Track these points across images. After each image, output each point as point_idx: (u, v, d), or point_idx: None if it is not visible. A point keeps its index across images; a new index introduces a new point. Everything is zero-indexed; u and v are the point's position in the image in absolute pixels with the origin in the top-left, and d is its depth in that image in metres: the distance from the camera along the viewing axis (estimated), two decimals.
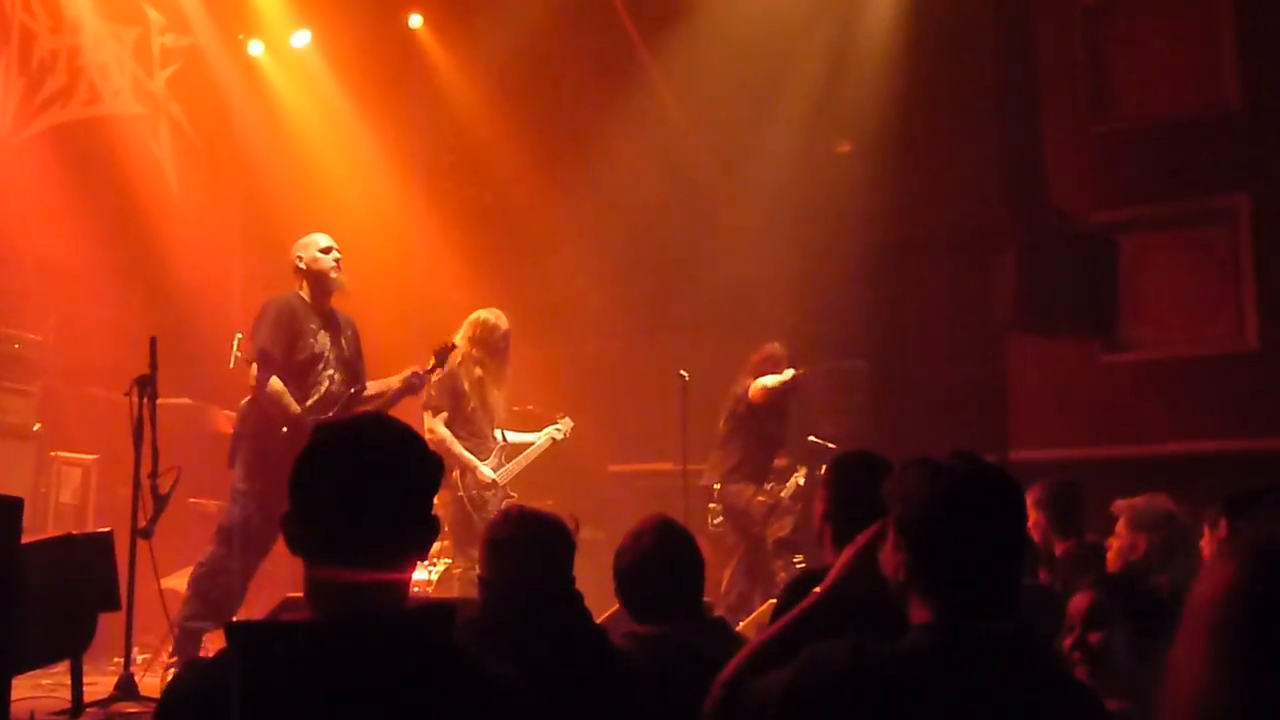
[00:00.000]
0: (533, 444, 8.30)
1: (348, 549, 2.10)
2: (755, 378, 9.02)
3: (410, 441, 2.22)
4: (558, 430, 8.38)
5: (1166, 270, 10.56)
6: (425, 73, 11.42)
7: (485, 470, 7.81)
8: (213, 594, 6.49)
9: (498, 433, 7.97)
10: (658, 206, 11.15)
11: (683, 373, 8.69)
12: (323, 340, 6.84)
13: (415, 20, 11.41)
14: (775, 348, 9.26)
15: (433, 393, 7.68)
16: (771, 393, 8.91)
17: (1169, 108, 10.63)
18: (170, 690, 2.11)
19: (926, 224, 11.02)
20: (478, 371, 7.88)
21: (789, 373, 8.93)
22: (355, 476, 2.13)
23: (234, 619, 8.30)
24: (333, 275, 6.91)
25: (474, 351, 7.91)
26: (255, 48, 10.97)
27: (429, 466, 2.22)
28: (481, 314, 8.04)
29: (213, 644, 6.59)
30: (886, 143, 10.86)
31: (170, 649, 6.33)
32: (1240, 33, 10.35)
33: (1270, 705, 1.37)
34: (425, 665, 2.04)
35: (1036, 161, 10.86)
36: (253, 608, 8.06)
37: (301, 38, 10.98)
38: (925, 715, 2.18)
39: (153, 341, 5.99)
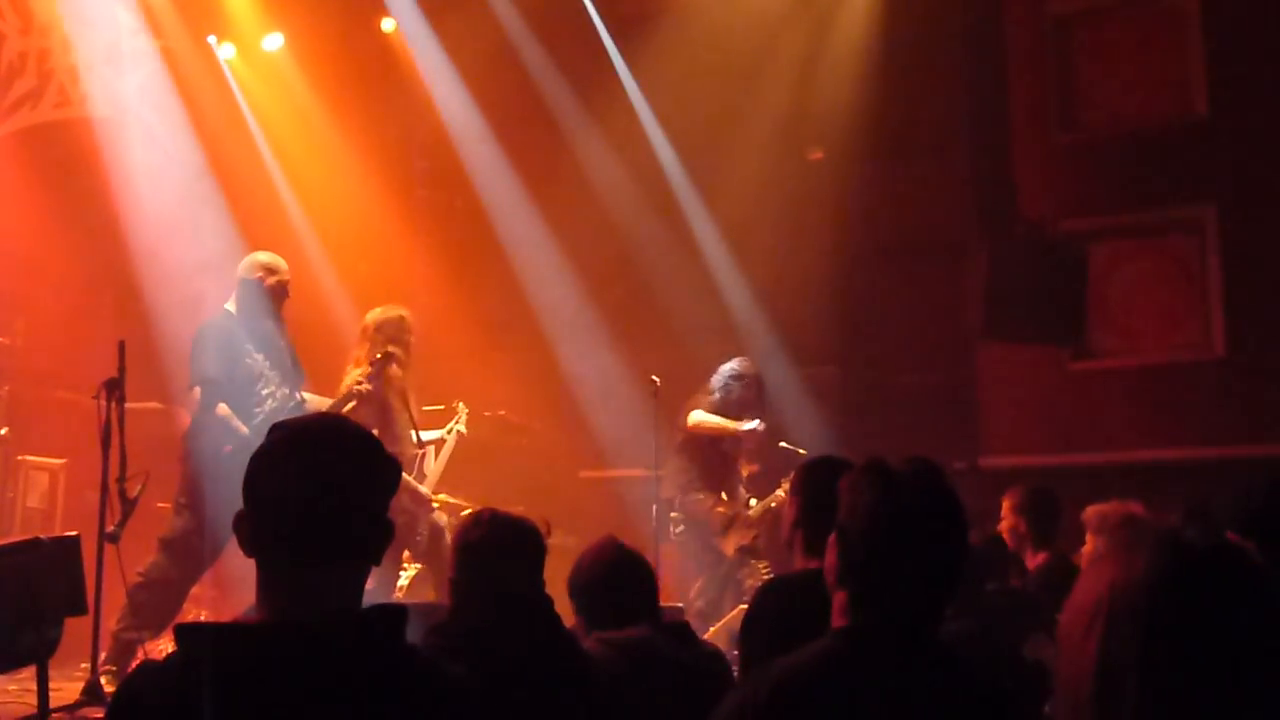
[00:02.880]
0: (443, 442, 8.11)
1: (299, 548, 2.08)
2: (707, 398, 8.80)
3: (365, 441, 2.20)
4: (458, 422, 8.21)
5: (1135, 279, 10.65)
6: (398, 77, 11.40)
7: (421, 488, 7.66)
8: (150, 604, 6.47)
9: (414, 435, 7.64)
10: (630, 212, 11.16)
11: (654, 378, 8.67)
12: (259, 358, 6.80)
13: (388, 24, 11.38)
14: (740, 368, 9.06)
15: (364, 413, 7.27)
16: (710, 431, 8.65)
17: (1138, 118, 10.73)
18: (121, 693, 2.08)
19: (897, 231, 11.07)
20: (397, 371, 7.46)
21: (747, 425, 8.61)
22: (308, 474, 2.10)
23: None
24: (271, 297, 6.84)
25: (391, 351, 7.44)
26: (226, 51, 10.92)
27: (385, 467, 2.19)
28: (386, 311, 7.62)
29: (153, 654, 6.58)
30: (858, 151, 10.91)
31: (105, 657, 6.25)
32: (1209, 44, 10.45)
33: (1167, 693, 1.39)
34: (377, 665, 2.03)
35: (1006, 170, 10.92)
36: (222, 613, 8.04)
37: (273, 41, 10.94)
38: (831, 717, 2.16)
39: (121, 345, 5.96)
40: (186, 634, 2.04)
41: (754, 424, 8.45)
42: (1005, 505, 6.04)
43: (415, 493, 7.56)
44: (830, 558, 2.36)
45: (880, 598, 2.27)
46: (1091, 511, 5.13)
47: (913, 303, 11.13)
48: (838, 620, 2.31)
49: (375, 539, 2.15)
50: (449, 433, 8.13)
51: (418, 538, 7.45)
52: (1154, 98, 10.72)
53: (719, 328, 10.57)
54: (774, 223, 11.04)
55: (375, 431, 7.27)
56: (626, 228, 11.22)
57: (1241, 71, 10.27)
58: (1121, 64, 10.85)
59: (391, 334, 7.51)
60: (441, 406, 8.53)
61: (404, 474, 7.46)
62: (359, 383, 7.11)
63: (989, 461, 10.63)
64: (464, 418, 8.22)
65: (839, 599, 2.33)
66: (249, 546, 2.12)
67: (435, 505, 7.77)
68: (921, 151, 10.96)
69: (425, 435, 7.89)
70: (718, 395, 8.72)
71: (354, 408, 7.26)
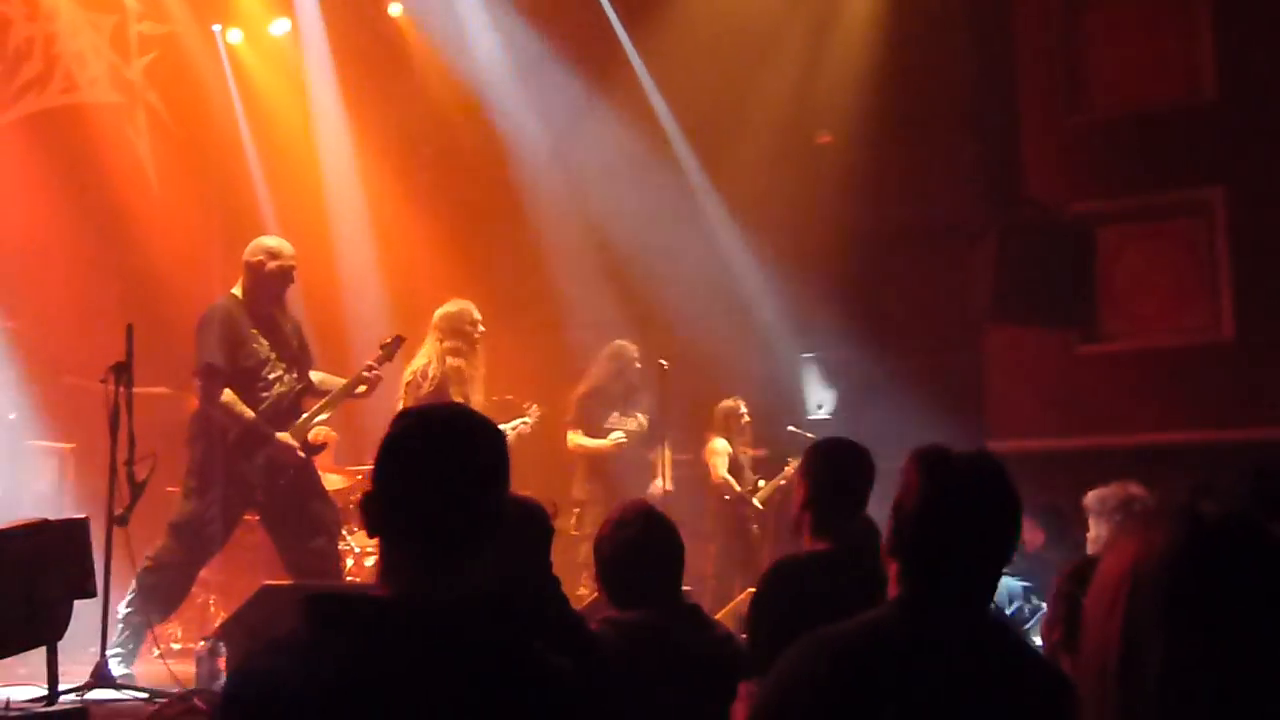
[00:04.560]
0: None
1: (430, 530, 2.18)
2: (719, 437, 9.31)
3: (490, 429, 2.32)
4: (525, 422, 8.17)
5: (1143, 261, 10.60)
6: (405, 62, 11.38)
7: None
8: (159, 588, 6.49)
9: None
10: (638, 195, 11.14)
11: (662, 361, 8.68)
12: (264, 344, 6.79)
13: (395, 9, 11.37)
14: (730, 408, 9.42)
15: (421, 399, 7.43)
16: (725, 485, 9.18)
17: (1146, 99, 10.66)
18: (243, 671, 2.15)
19: (904, 215, 11.03)
20: (457, 362, 7.66)
21: (767, 484, 9.31)
22: (441, 460, 2.20)
23: (203, 618, 8.31)
24: (276, 281, 6.84)
25: (448, 343, 7.70)
26: (234, 36, 10.92)
27: (503, 458, 2.30)
28: (447, 306, 7.84)
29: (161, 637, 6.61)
30: (865, 134, 10.89)
31: (114, 640, 6.24)
32: (1218, 24, 10.39)
33: (1190, 669, 1.39)
34: (498, 650, 2.11)
35: (1014, 153, 10.90)
36: (231, 597, 8.06)
37: (280, 26, 10.93)
38: (889, 689, 2.23)
39: (129, 329, 5.97)
40: (314, 603, 2.11)
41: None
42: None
43: None
44: (887, 529, 2.50)
45: (927, 571, 2.40)
46: (1091, 496, 5.09)
47: (920, 286, 11.10)
48: (892, 590, 2.45)
49: (494, 525, 2.26)
50: (512, 429, 8.09)
51: None
52: (1162, 80, 10.66)
53: (727, 311, 10.57)
54: (781, 207, 11.02)
55: None
56: (634, 211, 11.19)
57: (1251, 54, 10.21)
58: (1130, 46, 10.79)
59: (451, 326, 7.67)
60: (510, 397, 8.55)
61: None
62: (369, 367, 7.10)
63: (996, 445, 10.60)
64: (533, 419, 8.18)
65: (892, 569, 2.46)
66: (378, 527, 2.21)
67: None
68: (929, 134, 10.93)
69: None
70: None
71: (416, 400, 7.38)
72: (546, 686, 2.14)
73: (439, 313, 7.77)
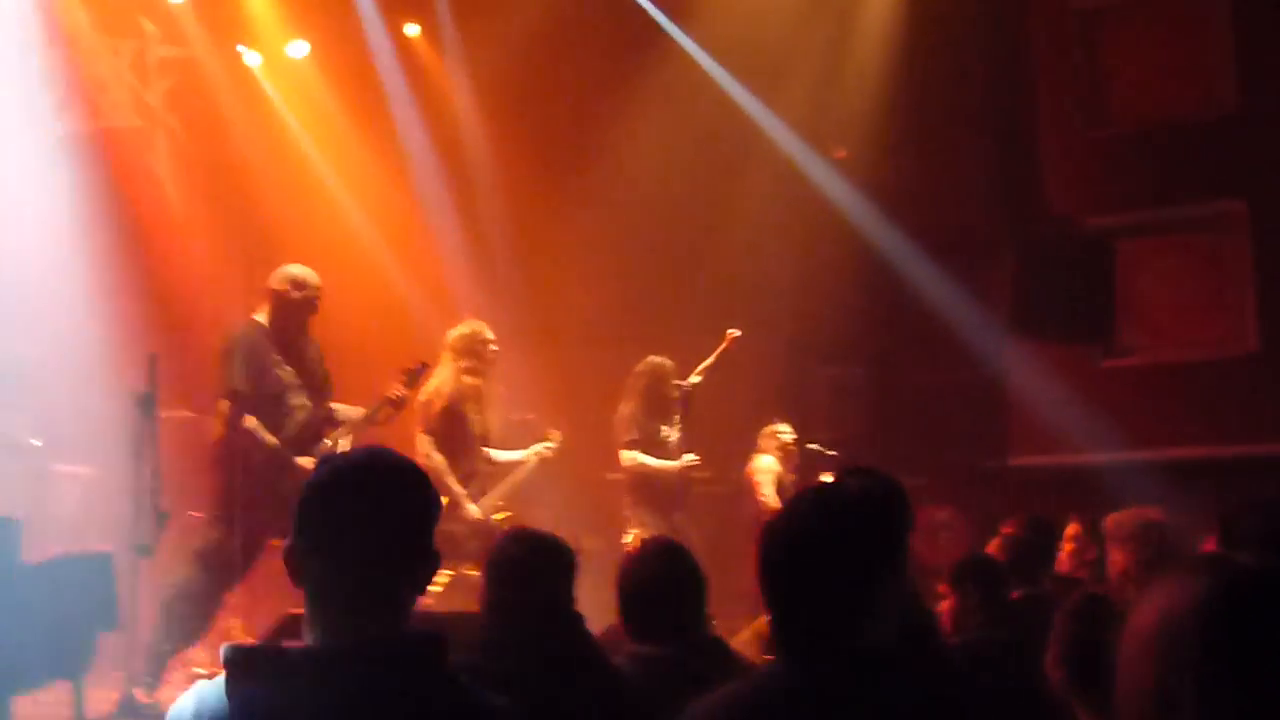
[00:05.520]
0: (520, 463, 8.03)
1: (347, 581, 2.15)
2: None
3: (410, 475, 2.27)
4: (546, 447, 8.10)
5: (1164, 275, 10.57)
6: (423, 81, 11.42)
7: (471, 507, 7.60)
8: (185, 616, 6.49)
9: (485, 454, 7.75)
10: (653, 213, 11.15)
11: (685, 383, 8.65)
12: (288, 371, 6.81)
13: (412, 29, 11.41)
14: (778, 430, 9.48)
15: (432, 416, 7.51)
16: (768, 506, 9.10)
17: (1166, 112, 10.64)
18: (171, 712, 2.15)
19: (924, 229, 11.00)
20: (472, 381, 7.64)
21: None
22: (357, 511, 2.17)
23: (223, 642, 8.32)
24: (301, 311, 6.86)
25: (462, 363, 7.66)
26: (252, 59, 10.96)
27: (429, 500, 2.26)
28: (462, 327, 7.81)
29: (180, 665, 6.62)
30: (883, 148, 10.88)
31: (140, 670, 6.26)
32: (1238, 36, 10.37)
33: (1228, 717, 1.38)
34: (421, 693, 2.08)
35: (1033, 166, 10.89)
36: (254, 619, 8.07)
37: (299, 48, 10.97)
38: None
39: (152, 359, 5.99)
40: (235, 659, 2.10)
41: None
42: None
43: (457, 510, 7.54)
44: None
45: (793, 623, 2.31)
46: (1111, 521, 5.01)
47: (940, 301, 11.07)
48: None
49: (421, 570, 2.22)
50: (531, 454, 8.06)
51: (465, 551, 7.43)
52: (1182, 92, 10.64)
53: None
54: (800, 222, 11.02)
55: (439, 444, 7.35)
56: (650, 227, 11.21)
57: (1271, 64, 10.19)
58: (1149, 58, 10.77)
59: (464, 346, 7.64)
60: (532, 417, 8.52)
61: (456, 487, 7.51)
62: (396, 389, 7.11)
63: (1019, 460, 10.59)
64: (557, 443, 8.12)
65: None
66: (297, 578, 2.19)
67: (494, 522, 7.71)
68: (947, 148, 10.91)
69: (505, 454, 7.92)
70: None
71: (427, 418, 7.40)
72: None
73: (452, 334, 7.76)
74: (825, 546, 2.32)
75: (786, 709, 2.22)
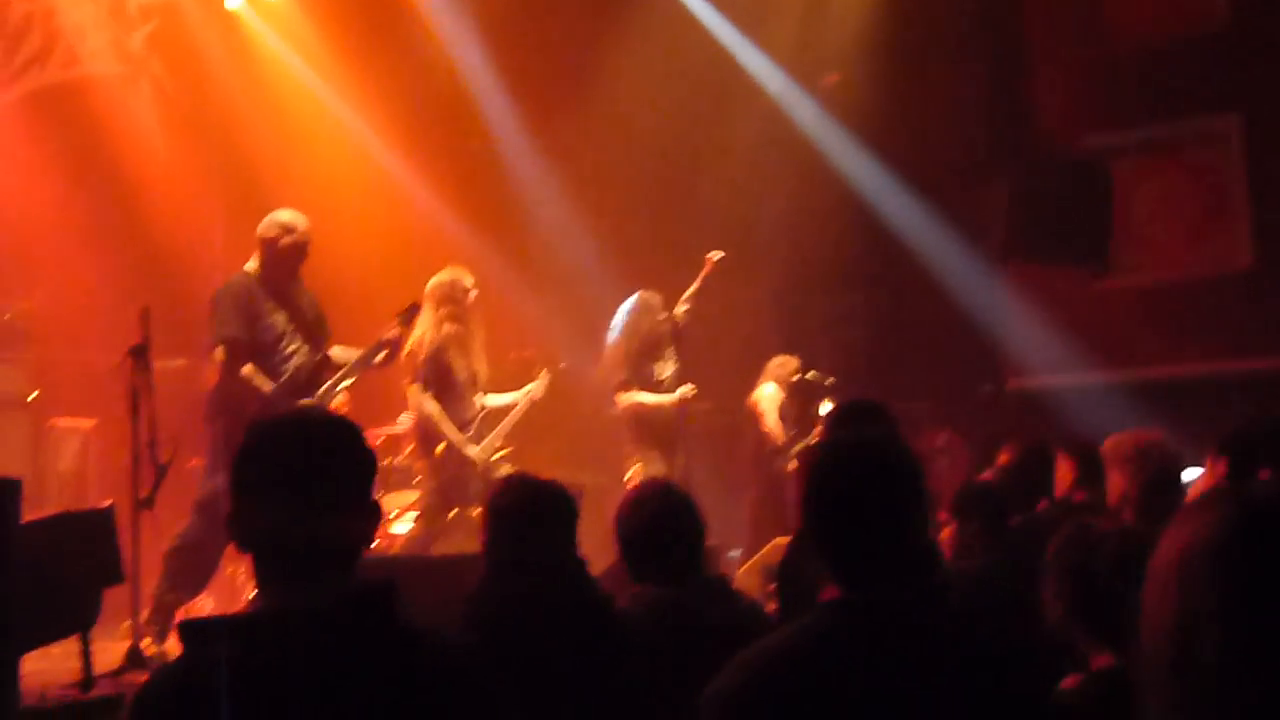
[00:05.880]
0: (513, 406, 7.97)
1: (285, 546, 2.14)
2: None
3: (346, 430, 2.27)
4: (538, 386, 8.06)
5: (1159, 193, 10.53)
6: (410, 20, 11.28)
7: (472, 449, 7.59)
8: (188, 567, 6.53)
9: (478, 400, 7.74)
10: (647, 149, 11.07)
11: (677, 314, 8.60)
12: (281, 318, 6.78)
13: None
14: (785, 361, 9.46)
15: (418, 366, 7.48)
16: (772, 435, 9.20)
17: (1158, 29, 10.54)
18: (139, 697, 2.14)
19: (916, 155, 10.94)
20: (453, 328, 7.59)
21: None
22: (294, 470, 2.17)
23: (229, 589, 8.38)
24: (291, 256, 6.83)
25: (443, 310, 7.61)
26: (234, 1, 10.81)
27: (366, 454, 2.26)
28: (439, 275, 7.72)
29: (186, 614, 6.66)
30: (873, 75, 10.78)
31: (145, 620, 6.29)
32: None
33: (1247, 656, 1.38)
34: (376, 645, 2.09)
35: (1025, 89, 10.80)
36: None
37: None
38: (835, 695, 2.17)
39: (145, 312, 5.98)
40: (189, 632, 2.12)
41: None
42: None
43: (459, 454, 7.57)
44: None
45: (851, 564, 2.31)
46: (1109, 443, 4.95)
47: (935, 225, 11.02)
48: (826, 594, 2.34)
49: (365, 523, 2.22)
50: (523, 396, 8.05)
51: (471, 493, 7.46)
52: (1175, 8, 10.53)
53: (744, 259, 10.50)
54: (793, 150, 10.95)
55: (431, 392, 7.36)
56: (646, 162, 11.14)
57: None
58: None
59: (444, 294, 7.58)
60: (530, 353, 8.49)
61: (453, 433, 7.53)
62: (391, 331, 7.10)
63: (1016, 383, 10.61)
64: (544, 384, 8.08)
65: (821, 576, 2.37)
66: (242, 543, 2.19)
67: (493, 464, 7.72)
68: (939, 71, 10.83)
69: (496, 398, 7.91)
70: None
71: (415, 368, 7.40)
72: (435, 672, 2.12)
73: (431, 282, 7.68)
74: (909, 481, 2.36)
75: (865, 642, 2.21)
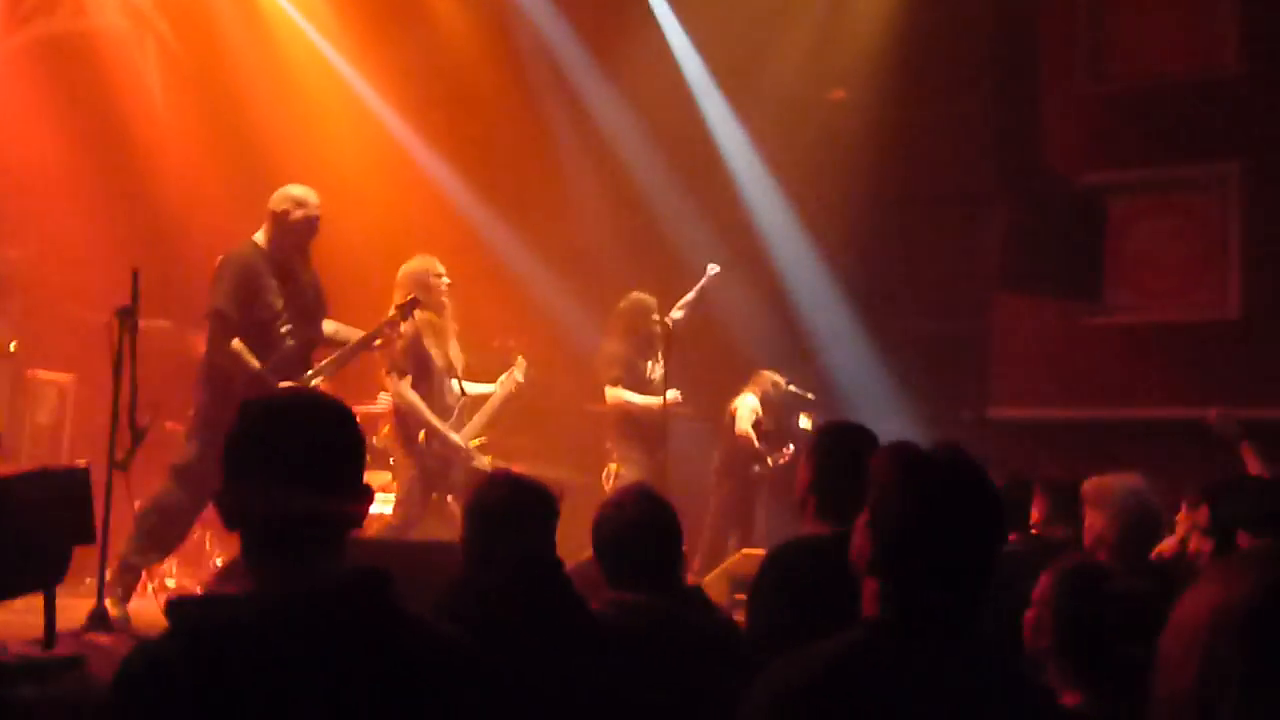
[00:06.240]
0: (492, 394, 7.96)
1: (276, 527, 2.15)
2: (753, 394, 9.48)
3: (338, 412, 2.28)
4: (516, 374, 8.03)
5: (1154, 235, 10.53)
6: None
7: (453, 436, 7.56)
8: (158, 530, 6.50)
9: (456, 384, 7.71)
10: (647, 148, 11.07)
11: (667, 318, 8.60)
12: (280, 295, 6.73)
13: None
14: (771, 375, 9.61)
15: (396, 356, 7.46)
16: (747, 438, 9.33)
17: (1167, 71, 10.54)
18: (121, 674, 2.10)
19: (916, 178, 10.96)
20: (425, 315, 7.53)
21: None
22: (288, 450, 2.17)
23: (196, 556, 8.35)
24: (300, 232, 6.80)
25: (416, 298, 7.43)
26: None
27: (359, 436, 2.27)
28: (410, 263, 7.68)
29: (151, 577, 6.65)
30: (880, 94, 10.80)
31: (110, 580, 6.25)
32: None
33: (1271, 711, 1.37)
34: (365, 630, 2.08)
35: (1031, 120, 10.81)
36: (226, 533, 8.07)
37: None
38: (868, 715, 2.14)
39: (135, 275, 5.93)
40: (178, 610, 2.09)
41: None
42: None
43: (445, 439, 7.54)
44: (860, 543, 2.33)
45: (914, 590, 2.24)
46: (1090, 485, 4.97)
47: (929, 250, 11.04)
48: (869, 609, 2.29)
49: (356, 506, 2.23)
50: (500, 384, 8.01)
51: (453, 481, 7.44)
52: (1185, 51, 10.53)
53: (732, 266, 10.51)
54: (793, 164, 10.96)
55: (410, 380, 7.34)
56: (645, 161, 11.13)
57: (1275, 27, 10.08)
58: (1153, 15, 10.65)
59: (415, 281, 7.52)
60: (513, 343, 8.48)
61: (435, 421, 7.49)
62: (389, 320, 7.09)
63: (997, 412, 10.62)
64: (521, 370, 8.02)
65: (870, 587, 2.30)
66: (231, 522, 2.18)
67: (474, 451, 7.70)
68: (945, 97, 10.84)
69: (474, 387, 7.88)
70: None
71: (392, 358, 7.41)
72: (432, 655, 2.13)
73: (403, 270, 7.63)
74: (993, 518, 2.31)
75: (896, 678, 2.17)
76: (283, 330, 6.72)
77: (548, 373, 9.13)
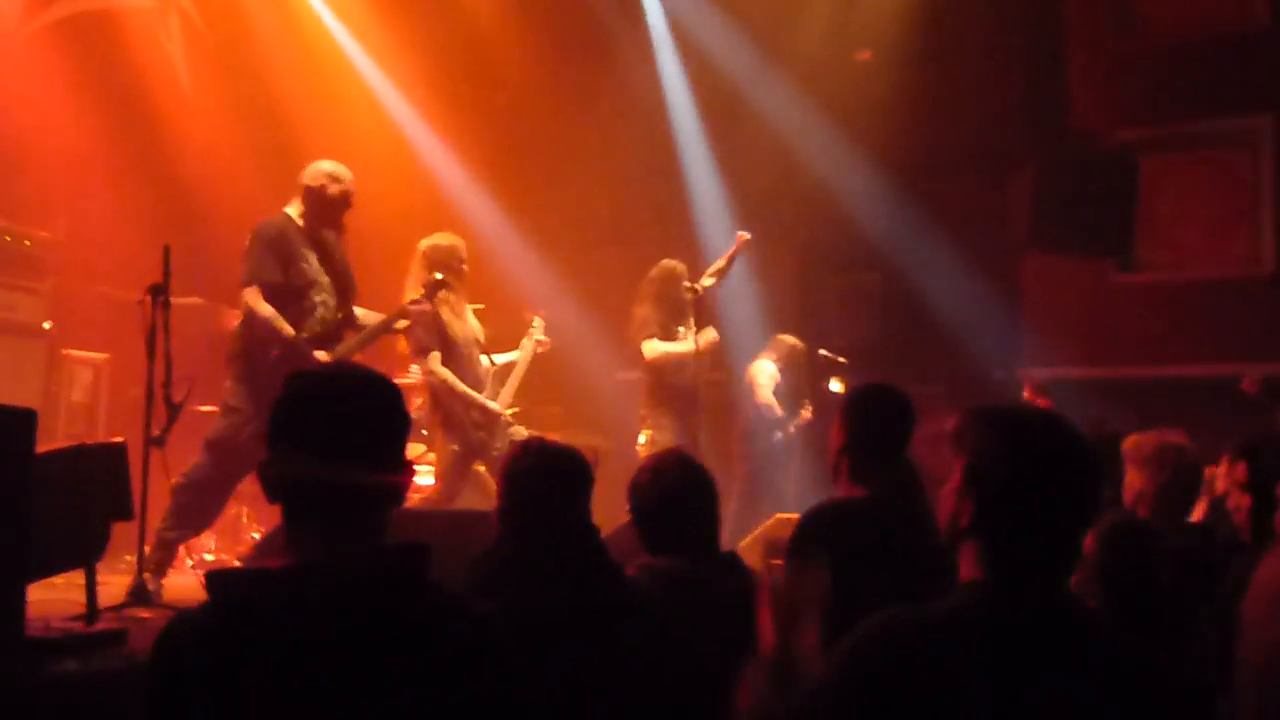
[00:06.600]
0: (518, 361, 7.90)
1: (320, 499, 2.15)
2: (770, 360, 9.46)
3: (383, 386, 2.28)
4: (536, 334, 7.95)
5: (1185, 191, 10.46)
6: None
7: (491, 404, 7.53)
8: (193, 505, 6.51)
9: (483, 358, 7.69)
10: (672, 117, 11.03)
11: (695, 286, 8.57)
12: (315, 264, 6.74)
13: None
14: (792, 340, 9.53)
15: (420, 335, 7.41)
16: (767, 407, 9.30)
17: (1196, 26, 10.44)
18: (160, 642, 2.13)
19: (945, 137, 10.87)
20: (448, 297, 7.49)
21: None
22: (334, 422, 2.18)
23: (233, 530, 8.40)
24: (334, 206, 6.80)
25: (440, 277, 7.43)
26: None
27: (403, 412, 2.29)
28: (437, 239, 7.64)
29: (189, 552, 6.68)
30: (908, 54, 10.72)
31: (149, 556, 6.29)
32: None
33: None
34: (402, 606, 2.09)
35: (1059, 77, 10.72)
36: (263, 508, 8.14)
37: None
38: (972, 681, 2.12)
39: (166, 250, 5.94)
40: (216, 581, 2.12)
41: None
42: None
43: (484, 409, 7.54)
44: (953, 507, 2.32)
45: (1020, 549, 2.24)
46: (1130, 442, 4.96)
47: (959, 210, 10.98)
48: (968, 572, 2.28)
49: (394, 483, 2.23)
50: (521, 348, 8.00)
51: (494, 452, 7.44)
52: (1216, 5, 10.43)
53: (760, 233, 10.49)
54: (819, 126, 10.89)
55: (439, 356, 7.33)
56: (669, 129, 11.09)
57: None
58: None
59: (440, 259, 7.48)
60: (543, 314, 8.47)
61: (470, 392, 7.49)
62: (414, 301, 7.10)
63: (1029, 372, 10.57)
64: (540, 330, 7.96)
65: (969, 549, 2.29)
66: (274, 493, 2.19)
67: (510, 420, 7.70)
68: (972, 56, 10.75)
69: (501, 356, 7.86)
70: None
71: (417, 339, 7.39)
72: (465, 634, 2.13)
73: (426, 243, 7.59)
74: (1094, 476, 2.30)
75: (1000, 637, 2.16)
76: (316, 299, 6.72)
77: (579, 342, 9.14)
